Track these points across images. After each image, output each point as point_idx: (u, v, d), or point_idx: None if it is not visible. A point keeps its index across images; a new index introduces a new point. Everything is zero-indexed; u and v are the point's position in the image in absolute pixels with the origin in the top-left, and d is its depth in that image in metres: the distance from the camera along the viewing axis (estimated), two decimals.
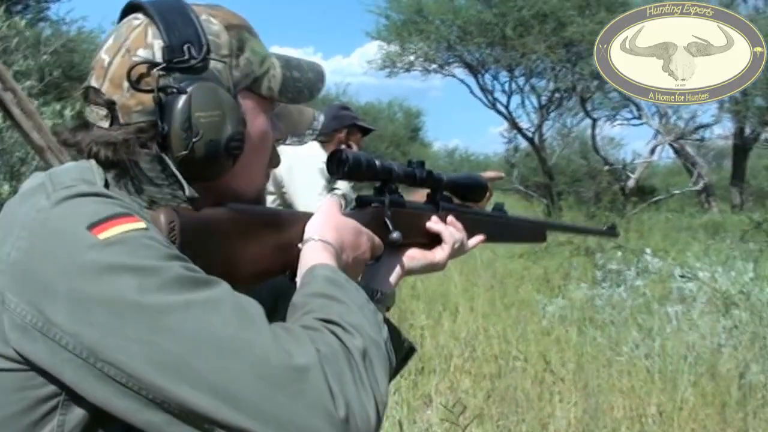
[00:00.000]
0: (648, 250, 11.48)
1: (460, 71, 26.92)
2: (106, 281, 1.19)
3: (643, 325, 8.06)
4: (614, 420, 5.82)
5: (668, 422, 5.73)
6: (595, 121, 26.30)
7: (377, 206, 1.81)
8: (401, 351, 1.71)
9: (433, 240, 1.93)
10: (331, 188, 5.18)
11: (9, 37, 10.87)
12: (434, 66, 26.71)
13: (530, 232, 2.42)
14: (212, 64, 1.43)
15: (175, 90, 1.38)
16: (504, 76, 26.40)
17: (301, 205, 4.88)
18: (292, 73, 1.58)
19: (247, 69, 1.50)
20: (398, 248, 1.85)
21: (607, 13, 21.06)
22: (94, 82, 1.44)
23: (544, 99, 26.87)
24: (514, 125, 27.20)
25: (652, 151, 25.97)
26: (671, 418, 5.77)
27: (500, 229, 2.23)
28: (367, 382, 1.28)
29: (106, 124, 1.42)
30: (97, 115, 1.43)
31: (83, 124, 1.46)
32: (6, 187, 9.03)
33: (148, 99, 1.38)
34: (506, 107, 26.74)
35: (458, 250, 1.97)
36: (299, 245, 1.57)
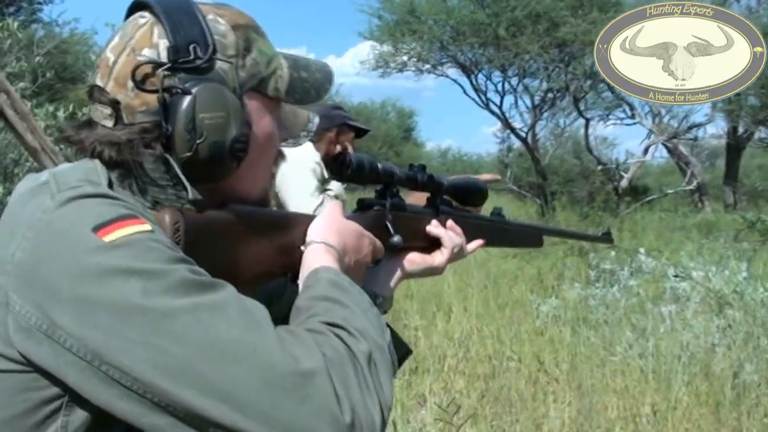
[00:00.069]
0: (641, 250, 11.48)
1: (453, 71, 26.92)
2: (111, 284, 1.18)
3: (636, 325, 8.06)
4: (608, 420, 5.81)
5: (662, 422, 5.73)
6: (588, 120, 26.34)
7: (378, 209, 1.81)
8: (400, 353, 1.71)
9: (432, 244, 1.94)
10: (323, 189, 5.17)
11: (2, 39, 10.86)
12: (427, 66, 26.67)
13: (527, 237, 2.45)
14: (218, 64, 1.42)
15: (179, 91, 1.37)
16: (497, 76, 26.40)
17: (293, 205, 4.86)
18: (300, 73, 1.58)
19: (254, 69, 1.49)
20: (398, 252, 1.85)
21: (599, 13, 21.11)
22: (98, 81, 1.43)
23: (537, 99, 26.86)
24: (507, 125, 27.18)
25: (646, 151, 25.97)
26: (665, 417, 5.77)
27: (498, 233, 2.25)
28: (372, 386, 1.28)
29: (110, 123, 1.41)
30: (101, 113, 1.42)
31: (87, 122, 1.45)
32: (0, 189, 9.03)
33: (152, 99, 1.38)
34: (499, 107, 26.75)
35: (457, 255, 1.98)
36: (302, 248, 1.57)
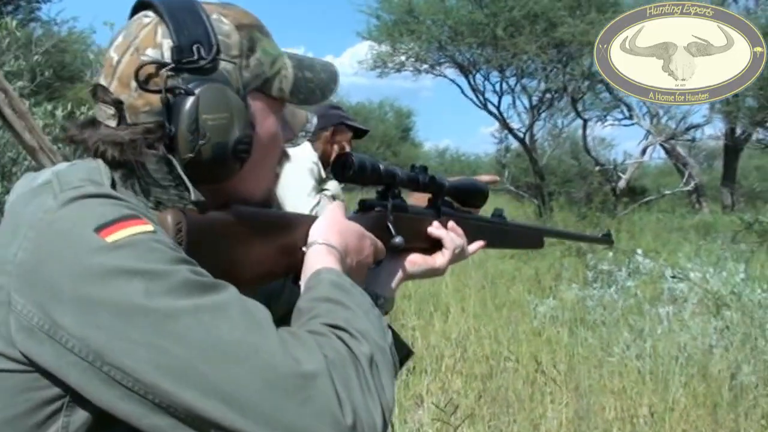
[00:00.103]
0: (639, 251, 11.48)
1: (451, 71, 26.95)
2: (114, 285, 1.18)
3: (634, 326, 8.06)
4: (605, 421, 5.81)
5: (659, 423, 5.73)
6: (586, 121, 26.34)
7: (380, 210, 1.81)
8: (400, 354, 1.70)
9: (434, 245, 1.93)
10: (320, 189, 5.16)
11: (0, 37, 10.86)
12: (425, 66, 26.69)
13: (528, 238, 2.45)
14: (222, 64, 1.42)
15: (182, 91, 1.36)
16: (495, 76, 26.42)
17: (289, 205, 4.84)
18: (305, 73, 1.57)
19: (258, 70, 1.48)
20: (399, 253, 1.85)
21: (598, 13, 21.12)
22: (102, 80, 1.42)
23: (535, 99, 26.90)
24: (505, 125, 27.20)
25: (643, 152, 26.02)
26: (662, 419, 5.77)
27: (500, 235, 2.25)
28: (374, 388, 1.28)
29: (113, 123, 1.40)
30: (105, 113, 1.42)
31: (91, 122, 1.45)
32: None
33: (155, 99, 1.37)
34: (497, 107, 26.77)
35: (459, 256, 1.97)
36: (304, 248, 1.57)
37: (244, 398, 1.16)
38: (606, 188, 24.19)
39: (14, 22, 11.30)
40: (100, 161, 1.41)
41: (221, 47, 1.42)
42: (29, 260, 1.22)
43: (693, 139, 27.27)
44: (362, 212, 1.80)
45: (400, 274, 1.85)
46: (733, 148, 27.74)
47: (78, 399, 1.22)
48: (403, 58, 26.14)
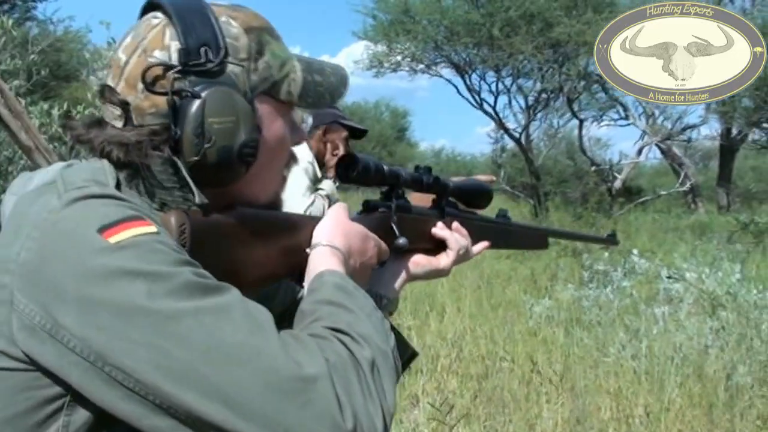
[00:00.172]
0: (635, 251, 11.50)
1: (447, 71, 26.97)
2: (116, 286, 1.18)
3: (630, 326, 8.08)
4: (601, 421, 5.82)
5: (655, 423, 5.74)
6: (581, 121, 26.39)
7: (384, 211, 1.80)
8: (404, 356, 1.70)
9: (438, 246, 1.93)
10: (315, 188, 5.15)
11: None
12: (421, 66, 26.69)
13: (533, 239, 2.45)
14: (229, 67, 1.41)
15: (189, 94, 1.36)
16: (491, 76, 26.43)
17: (284, 205, 4.84)
18: (314, 77, 1.56)
19: (266, 73, 1.47)
20: (403, 254, 1.84)
21: (594, 13, 21.14)
22: (110, 81, 1.42)
23: (531, 99, 26.92)
24: (501, 125, 27.21)
25: (639, 152, 26.04)
26: (658, 419, 5.77)
27: (504, 235, 2.24)
28: (375, 392, 1.27)
29: (119, 124, 1.40)
30: (111, 114, 1.41)
31: (98, 122, 1.44)
32: None
33: (162, 101, 1.36)
34: (493, 107, 26.77)
35: (463, 257, 1.97)
36: (307, 250, 1.56)
37: (244, 400, 1.16)
38: (602, 188, 24.21)
39: (10, 21, 11.28)
40: (105, 162, 1.40)
41: (229, 50, 1.41)
42: (32, 260, 1.22)
43: (689, 140, 27.33)
44: (366, 213, 1.79)
45: (403, 275, 1.84)
46: (729, 148, 27.79)
47: (79, 398, 1.22)
48: (399, 57, 26.14)
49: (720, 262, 11.15)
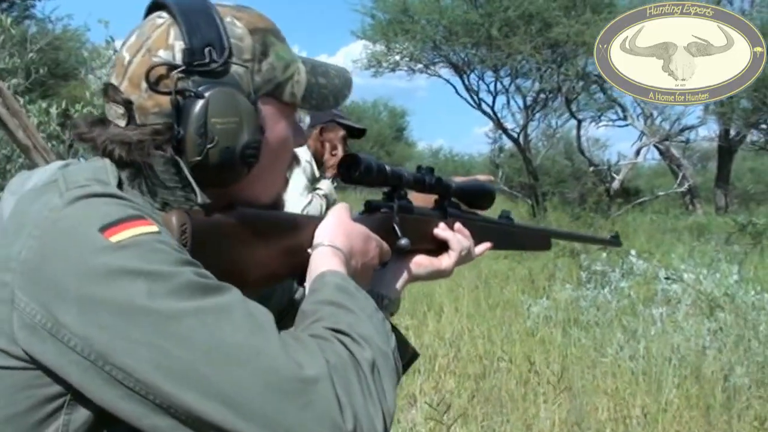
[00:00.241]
0: (633, 252, 11.49)
1: (445, 71, 27.00)
2: (117, 285, 1.17)
3: (627, 327, 8.08)
4: (598, 421, 5.82)
5: (652, 424, 5.74)
6: (580, 122, 26.42)
7: (386, 212, 1.79)
8: (405, 357, 1.70)
9: (440, 247, 1.92)
10: (313, 188, 5.15)
11: None
12: (420, 66, 26.71)
13: (536, 240, 2.44)
14: (233, 68, 1.41)
15: (192, 94, 1.35)
16: (489, 76, 26.47)
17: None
18: (318, 79, 1.56)
19: (270, 74, 1.47)
20: (405, 254, 1.83)
21: (592, 14, 21.17)
22: (113, 80, 1.42)
23: (529, 99, 26.93)
24: (499, 125, 27.25)
25: (637, 153, 26.07)
26: (656, 420, 5.77)
27: (507, 236, 2.23)
28: (375, 393, 1.27)
29: (122, 122, 1.39)
30: (114, 112, 1.41)
31: (101, 120, 1.44)
32: None
33: (165, 101, 1.36)
34: (491, 107, 26.81)
35: (465, 258, 1.96)
36: (309, 250, 1.56)
37: (244, 401, 1.16)
38: (600, 189, 24.21)
39: (9, 20, 11.30)
40: (106, 161, 1.40)
41: (233, 50, 1.41)
42: (33, 258, 1.22)
43: (687, 141, 27.36)
44: (368, 213, 1.78)
45: (405, 276, 1.84)
46: (727, 149, 27.80)
47: (79, 397, 1.22)
48: (397, 57, 26.16)
49: (718, 263, 11.18)
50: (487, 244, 2.08)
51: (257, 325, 1.23)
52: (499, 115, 27.03)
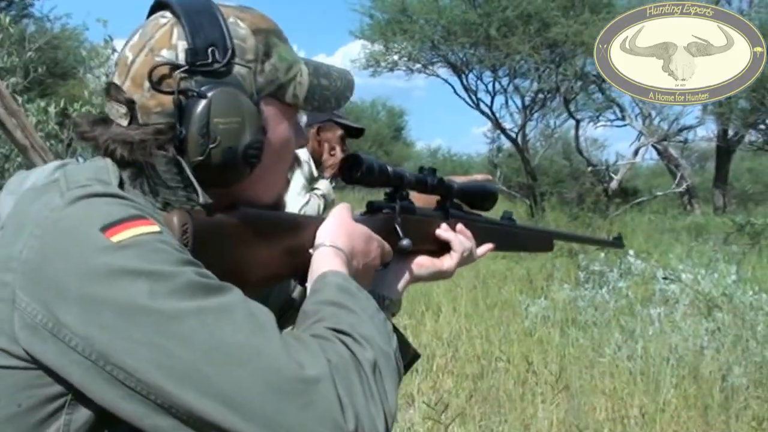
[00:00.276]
0: (631, 252, 11.48)
1: (444, 71, 26.99)
2: (118, 285, 1.17)
3: (625, 327, 8.09)
4: (596, 421, 5.82)
5: (650, 424, 5.74)
6: (578, 122, 26.44)
7: (388, 212, 1.79)
8: (407, 357, 1.69)
9: (442, 247, 1.91)
10: (311, 188, 5.14)
11: None
12: (418, 66, 26.71)
13: (538, 241, 2.44)
14: (236, 68, 1.41)
15: (195, 94, 1.35)
16: (488, 76, 26.48)
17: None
18: (320, 80, 1.57)
19: (272, 75, 1.47)
20: (407, 255, 1.83)
21: (591, 14, 21.18)
22: (116, 79, 1.42)
23: (527, 99, 26.93)
24: (497, 125, 27.25)
25: (636, 153, 26.09)
26: (653, 419, 5.77)
27: (509, 237, 2.22)
28: (377, 394, 1.27)
29: (125, 122, 1.39)
30: (117, 112, 1.41)
31: (102, 119, 1.44)
32: None
33: (168, 101, 1.36)
34: (490, 107, 26.81)
35: (467, 259, 1.95)
36: (310, 251, 1.56)
37: (245, 401, 1.16)
38: (598, 189, 24.20)
39: (7, 19, 11.30)
40: (108, 160, 1.40)
41: (236, 51, 1.41)
42: (35, 258, 1.22)
43: (685, 141, 27.40)
44: (370, 214, 1.78)
45: (407, 277, 1.83)
46: (725, 149, 27.81)
47: (80, 397, 1.22)
48: (395, 57, 26.15)
49: (716, 264, 11.17)
50: (489, 245, 2.07)
51: (258, 325, 1.23)
52: (497, 114, 27.09)
